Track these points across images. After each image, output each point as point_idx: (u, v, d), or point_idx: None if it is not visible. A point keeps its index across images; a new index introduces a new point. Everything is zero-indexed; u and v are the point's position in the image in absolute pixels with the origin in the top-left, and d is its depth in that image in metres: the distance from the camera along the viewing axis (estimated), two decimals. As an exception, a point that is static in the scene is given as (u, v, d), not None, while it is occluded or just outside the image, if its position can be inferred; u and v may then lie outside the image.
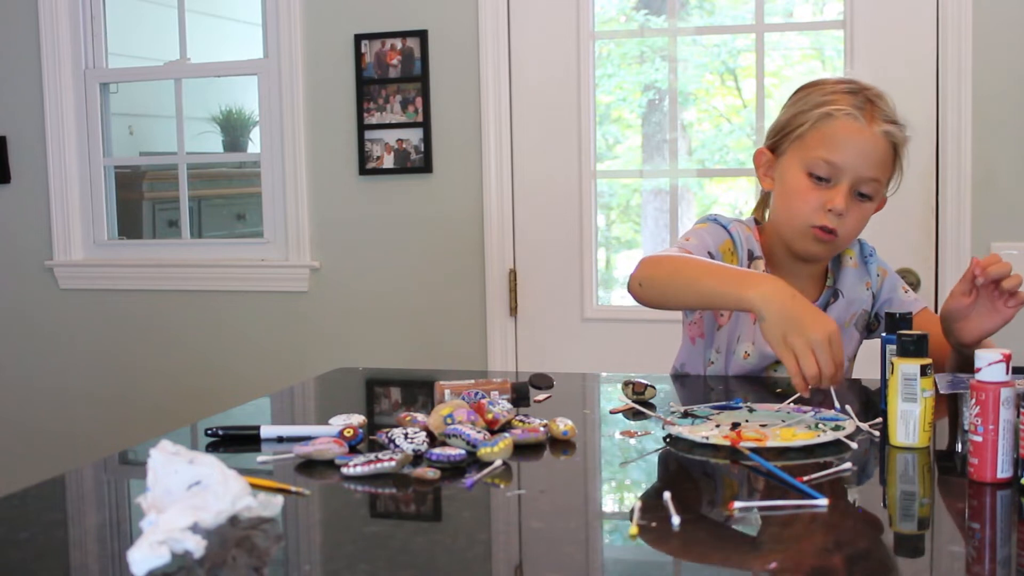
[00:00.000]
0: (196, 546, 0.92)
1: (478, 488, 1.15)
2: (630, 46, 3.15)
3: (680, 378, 1.77)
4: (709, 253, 1.67)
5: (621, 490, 1.20)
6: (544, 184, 2.91)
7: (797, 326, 1.36)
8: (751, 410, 1.44)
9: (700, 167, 3.16)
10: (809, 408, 1.42)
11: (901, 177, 1.70)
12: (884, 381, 1.42)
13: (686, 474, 1.22)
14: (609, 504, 1.16)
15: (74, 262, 3.30)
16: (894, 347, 1.40)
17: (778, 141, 1.72)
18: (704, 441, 1.28)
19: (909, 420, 1.25)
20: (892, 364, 1.27)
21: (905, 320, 1.42)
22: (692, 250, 1.66)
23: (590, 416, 1.52)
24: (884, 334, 1.44)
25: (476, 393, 1.45)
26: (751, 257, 1.72)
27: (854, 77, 1.73)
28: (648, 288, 1.57)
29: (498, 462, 1.21)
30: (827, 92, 1.68)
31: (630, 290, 1.61)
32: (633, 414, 1.47)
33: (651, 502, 1.08)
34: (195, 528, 0.94)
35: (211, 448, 1.35)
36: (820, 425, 1.34)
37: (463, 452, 1.21)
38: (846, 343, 1.75)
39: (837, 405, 1.42)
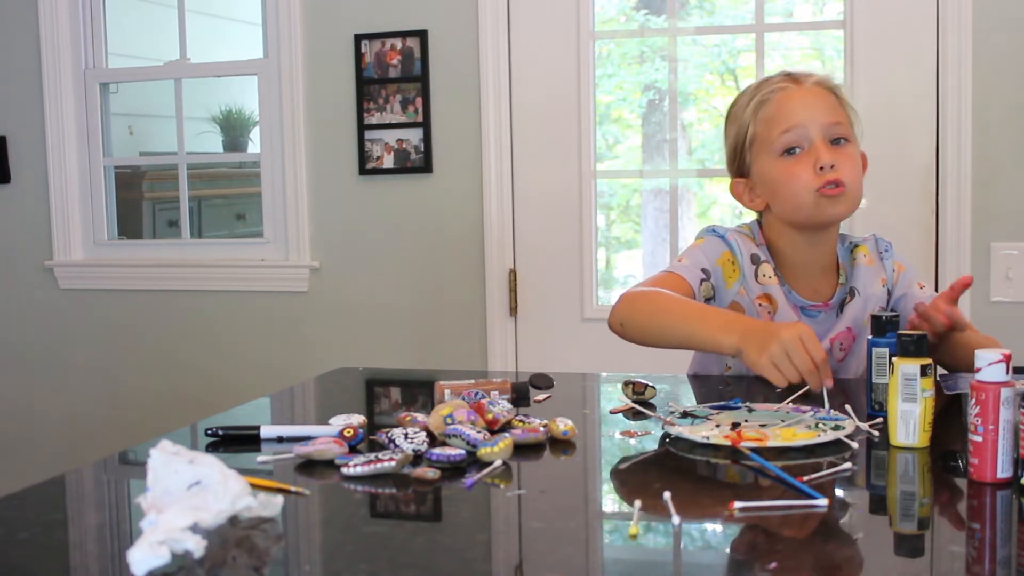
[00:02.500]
0: (196, 546, 0.92)
1: (478, 488, 1.15)
2: (630, 46, 3.15)
3: (695, 378, 1.78)
4: (704, 270, 1.69)
5: (621, 490, 1.19)
6: (544, 184, 2.91)
7: (769, 338, 1.39)
8: (750, 410, 1.44)
9: (700, 167, 3.16)
10: (809, 408, 1.42)
11: (859, 120, 1.73)
12: (870, 384, 1.42)
13: (686, 474, 1.22)
14: (609, 504, 1.16)
15: (74, 262, 3.30)
16: (881, 350, 1.40)
17: (739, 162, 1.75)
18: (704, 441, 1.28)
19: (909, 420, 1.25)
20: (892, 364, 1.27)
21: (892, 323, 1.42)
22: (684, 272, 1.68)
23: (590, 416, 1.52)
24: (870, 337, 1.44)
25: (476, 393, 1.45)
26: (756, 261, 1.72)
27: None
28: (629, 328, 1.62)
29: (498, 462, 1.21)
30: (750, 92, 1.74)
31: (611, 328, 1.64)
32: (633, 414, 1.47)
33: (651, 502, 1.08)
34: (195, 528, 0.94)
35: (211, 448, 1.35)
36: (820, 425, 1.34)
37: (463, 452, 1.21)
38: (864, 340, 1.74)
39: (827, 408, 1.42)
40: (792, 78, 1.70)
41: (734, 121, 1.75)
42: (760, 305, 1.70)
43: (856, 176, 1.67)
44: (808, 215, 1.67)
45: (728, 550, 1.00)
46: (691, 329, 1.53)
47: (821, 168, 1.63)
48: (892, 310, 1.78)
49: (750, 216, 1.83)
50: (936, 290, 2.62)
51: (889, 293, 1.78)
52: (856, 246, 1.79)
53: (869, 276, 1.76)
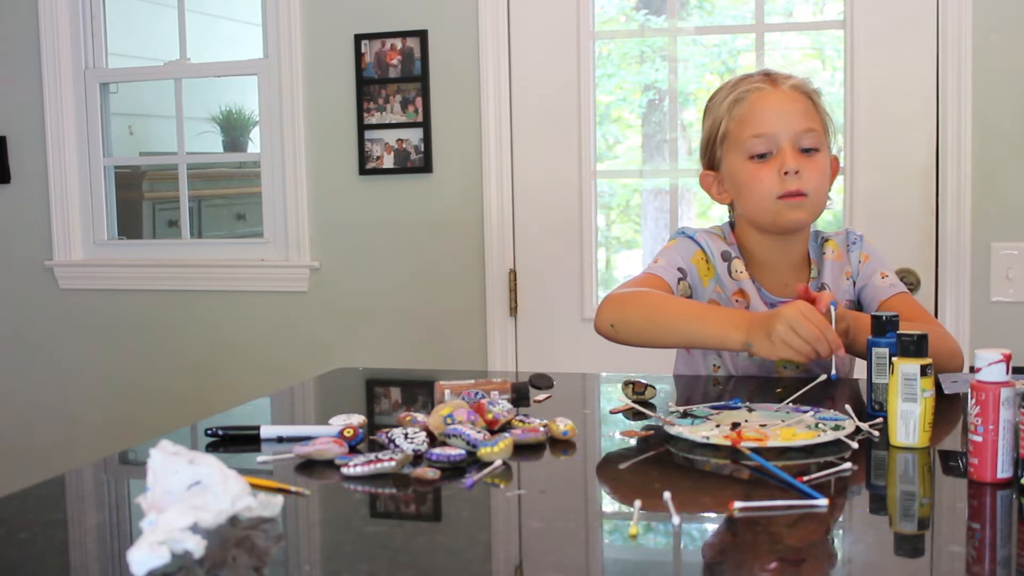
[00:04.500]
0: (196, 546, 0.92)
1: (478, 488, 1.15)
2: (630, 46, 3.15)
3: (683, 378, 1.78)
4: (680, 269, 1.71)
5: (621, 490, 1.19)
6: (544, 184, 2.91)
7: (773, 322, 1.43)
8: (750, 410, 1.44)
9: (700, 167, 3.16)
10: (809, 408, 1.42)
11: (835, 129, 1.74)
12: (870, 384, 1.42)
13: (686, 474, 1.22)
14: (609, 504, 1.16)
15: (74, 262, 3.30)
16: (881, 350, 1.40)
17: (711, 155, 1.77)
18: (704, 441, 1.28)
19: (909, 420, 1.25)
20: (892, 364, 1.27)
21: (891, 323, 1.42)
22: (662, 272, 1.70)
23: (590, 416, 1.52)
24: (870, 337, 1.44)
25: (476, 393, 1.45)
26: (727, 258, 1.74)
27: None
28: (622, 330, 1.61)
29: (498, 462, 1.21)
30: (728, 88, 1.74)
31: (599, 330, 1.64)
32: (633, 414, 1.47)
33: (651, 502, 1.08)
34: (195, 528, 0.94)
35: (211, 448, 1.35)
36: (820, 425, 1.34)
37: (463, 452, 1.21)
38: None
39: (835, 372, 1.44)
40: (770, 79, 1.70)
41: (710, 113, 1.76)
42: (736, 301, 1.72)
43: (820, 185, 1.68)
44: (769, 220, 1.70)
45: (727, 550, 1.00)
46: (695, 328, 1.54)
47: (785, 173, 1.64)
48: (859, 302, 1.79)
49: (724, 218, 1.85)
50: (936, 291, 2.62)
51: (854, 284, 1.79)
52: (826, 240, 1.80)
53: (836, 271, 1.78)
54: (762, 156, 1.67)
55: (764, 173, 1.66)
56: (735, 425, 1.35)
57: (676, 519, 1.02)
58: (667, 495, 1.06)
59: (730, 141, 1.71)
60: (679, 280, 1.70)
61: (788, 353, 1.42)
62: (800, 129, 1.66)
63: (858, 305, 1.79)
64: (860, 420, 1.36)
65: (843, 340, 1.50)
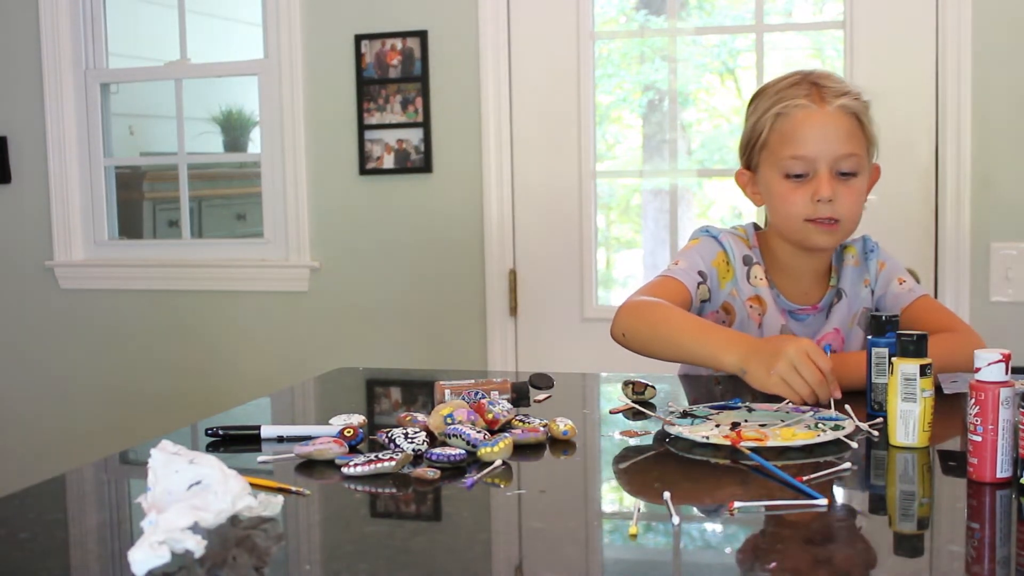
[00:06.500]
0: (196, 546, 0.92)
1: (478, 488, 1.15)
2: (630, 46, 3.15)
3: (683, 378, 1.78)
4: (700, 273, 1.70)
5: (621, 490, 1.20)
6: (544, 184, 2.91)
7: (773, 355, 1.41)
8: (750, 410, 1.44)
9: (700, 167, 3.16)
10: (808, 408, 1.42)
11: (878, 142, 1.70)
12: (870, 384, 1.42)
13: (686, 474, 1.22)
14: (609, 504, 1.16)
15: (74, 262, 3.30)
16: (881, 350, 1.40)
17: (749, 156, 1.74)
18: (704, 441, 1.28)
19: (909, 420, 1.25)
20: (892, 364, 1.27)
21: (891, 322, 1.42)
22: (682, 276, 1.68)
23: (590, 416, 1.52)
24: (869, 336, 1.44)
25: (476, 393, 1.45)
26: (748, 263, 1.73)
27: (801, 68, 1.73)
28: (631, 339, 1.62)
29: (498, 462, 1.21)
30: (773, 92, 1.69)
31: (614, 337, 1.65)
32: (633, 414, 1.47)
33: (651, 502, 1.08)
34: (195, 528, 0.94)
35: (211, 448, 1.35)
36: (820, 425, 1.34)
37: (463, 452, 1.21)
38: (851, 342, 1.75)
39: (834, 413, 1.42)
40: (818, 94, 1.64)
41: (753, 114, 1.72)
42: (751, 307, 1.71)
43: (853, 211, 1.66)
44: (796, 240, 1.69)
45: (728, 550, 1.00)
46: (693, 346, 1.54)
47: (818, 200, 1.63)
48: (877, 309, 1.78)
49: (747, 218, 1.84)
50: (935, 291, 2.62)
51: (872, 293, 1.79)
52: (845, 247, 1.79)
53: (855, 278, 1.77)
54: (798, 176, 1.64)
55: (797, 195, 1.64)
56: (735, 425, 1.35)
57: (676, 519, 1.02)
58: (667, 495, 1.06)
59: (768, 152, 1.68)
60: (699, 284, 1.69)
61: (784, 391, 1.41)
62: (840, 154, 1.63)
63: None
64: (860, 420, 1.36)
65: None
